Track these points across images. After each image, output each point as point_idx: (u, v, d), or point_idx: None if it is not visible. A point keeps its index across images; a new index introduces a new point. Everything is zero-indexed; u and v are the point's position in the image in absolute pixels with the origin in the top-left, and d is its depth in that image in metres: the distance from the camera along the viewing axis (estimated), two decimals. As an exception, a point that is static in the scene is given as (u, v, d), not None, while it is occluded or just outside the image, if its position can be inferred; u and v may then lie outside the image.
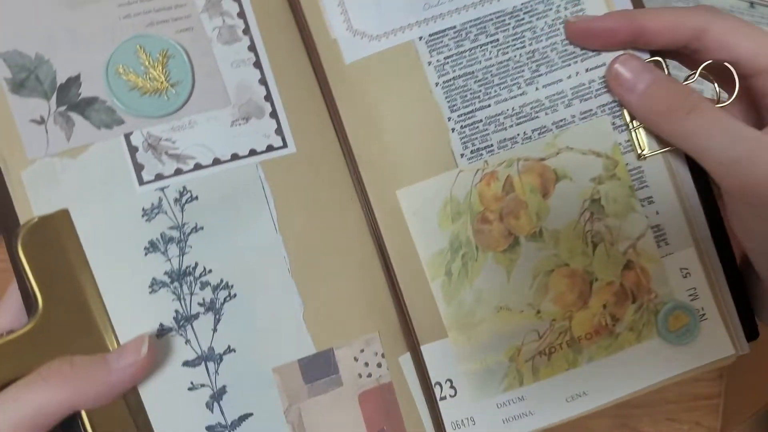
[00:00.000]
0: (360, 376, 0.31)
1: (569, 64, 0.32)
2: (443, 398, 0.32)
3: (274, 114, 0.31)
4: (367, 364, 0.32)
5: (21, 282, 0.28)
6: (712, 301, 0.32)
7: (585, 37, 0.31)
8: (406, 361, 0.32)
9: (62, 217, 0.28)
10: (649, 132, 0.32)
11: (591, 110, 0.32)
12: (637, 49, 0.31)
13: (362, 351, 0.32)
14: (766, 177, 0.27)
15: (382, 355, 0.32)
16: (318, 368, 0.31)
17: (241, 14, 0.32)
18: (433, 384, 0.32)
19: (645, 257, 0.32)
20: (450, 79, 0.32)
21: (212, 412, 0.29)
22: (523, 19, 0.32)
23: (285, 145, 0.31)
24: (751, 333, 0.32)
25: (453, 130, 0.32)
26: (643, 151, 0.32)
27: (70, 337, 0.28)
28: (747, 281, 0.32)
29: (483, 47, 0.32)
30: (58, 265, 0.28)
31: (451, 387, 0.32)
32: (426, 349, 0.32)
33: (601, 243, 0.32)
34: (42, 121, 0.29)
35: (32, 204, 0.28)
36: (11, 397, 0.24)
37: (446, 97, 0.32)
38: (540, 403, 0.32)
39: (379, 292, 0.32)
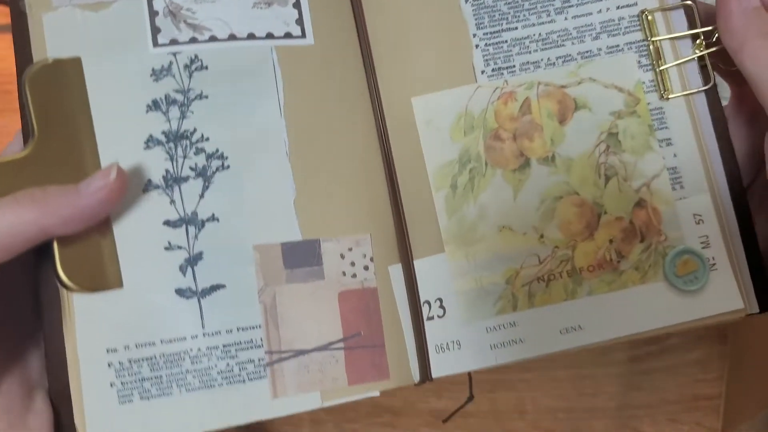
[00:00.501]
0: (344, 274, 0.30)
1: (601, 0, 0.32)
2: (430, 318, 0.31)
3: (297, 4, 0.31)
4: (353, 264, 0.30)
5: (23, 116, 0.27)
6: (724, 252, 0.30)
7: None
8: (395, 271, 0.31)
9: (74, 64, 0.28)
10: (680, 73, 0.31)
11: (618, 45, 0.32)
12: None
13: (350, 249, 0.30)
14: None
15: (371, 259, 0.30)
16: (301, 256, 0.29)
17: None
18: (421, 302, 0.31)
19: (658, 198, 0.31)
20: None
21: (184, 275, 0.28)
22: (559, -49, 0.33)
23: (303, 36, 0.31)
24: (763, 297, 0.31)
25: (477, 46, 0.32)
26: (665, 92, 0.31)
27: (60, 173, 0.27)
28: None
29: (517, -28, 0.32)
30: (60, 106, 0.28)
31: (441, 307, 0.31)
32: (419, 264, 0.31)
33: (614, 177, 0.31)
34: None
35: (48, 47, 0.28)
36: None
37: (474, 15, 0.32)
38: (532, 331, 0.30)
39: (378, 197, 0.31)
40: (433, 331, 0.31)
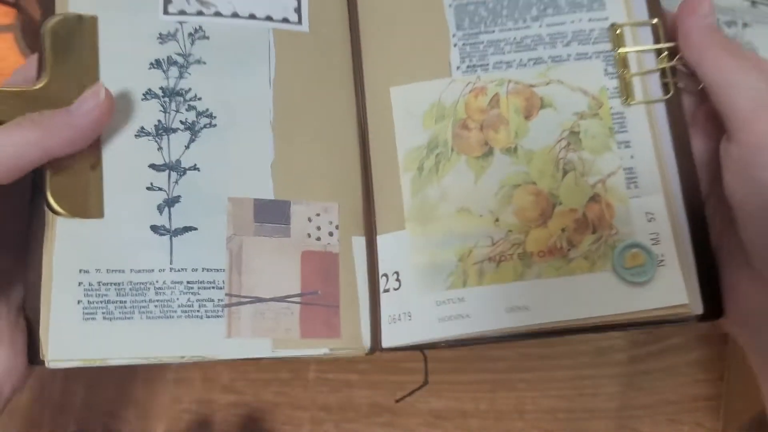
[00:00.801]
0: (309, 236, 0.32)
1: (575, 12, 0.35)
2: (386, 290, 0.33)
3: (298, -5, 0.35)
4: (319, 228, 0.33)
5: (40, 57, 0.31)
6: (673, 249, 0.32)
7: None
8: (358, 243, 0.33)
9: (90, 21, 0.32)
10: (643, 82, 0.33)
11: (587, 53, 0.34)
12: None
13: (318, 215, 0.33)
14: None
15: (336, 227, 0.33)
16: (271, 213, 0.32)
17: None
18: (380, 275, 0.33)
19: (612, 194, 0.33)
20: (463, 4, 0.35)
21: (161, 214, 0.31)
22: (540, -33, 0.36)
23: (300, 23, 0.35)
24: (709, 298, 0.32)
25: (455, 45, 0.35)
26: (628, 98, 0.33)
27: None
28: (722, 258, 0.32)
29: (499, -18, 0.35)
30: (72, 53, 0.32)
31: (397, 280, 0.33)
32: (381, 239, 0.33)
33: (571, 171, 0.33)
34: None
35: (69, 4, 0.32)
36: None
37: (456, 17, 0.35)
38: (479, 308, 0.32)
39: (350, 171, 0.34)
40: (387, 302, 0.33)
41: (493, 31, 0.35)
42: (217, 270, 0.31)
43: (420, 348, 0.33)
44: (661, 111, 0.33)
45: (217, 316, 0.30)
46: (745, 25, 0.53)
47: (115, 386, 0.46)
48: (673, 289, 0.31)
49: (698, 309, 0.31)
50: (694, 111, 0.34)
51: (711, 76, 0.31)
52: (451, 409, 0.46)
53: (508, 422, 0.46)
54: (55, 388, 0.45)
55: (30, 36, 0.62)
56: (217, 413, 0.45)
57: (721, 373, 0.47)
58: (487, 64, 0.34)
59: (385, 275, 0.33)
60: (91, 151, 0.30)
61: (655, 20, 0.34)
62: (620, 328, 0.32)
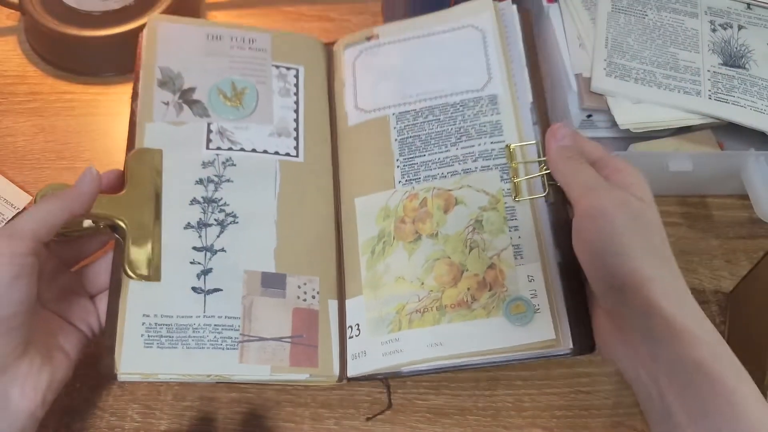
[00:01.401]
0: (298, 298, 0.48)
1: (481, 138, 0.50)
2: (351, 337, 0.47)
3: (297, 138, 0.53)
4: (305, 293, 0.48)
5: (124, 173, 0.49)
6: (546, 301, 0.44)
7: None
8: (333, 304, 0.48)
9: (157, 153, 0.50)
10: (528, 184, 0.47)
11: (489, 166, 0.49)
12: None
13: (305, 284, 0.48)
14: (603, 200, 0.40)
15: (317, 292, 0.48)
16: (273, 282, 0.48)
17: (297, 85, 0.55)
18: (347, 326, 0.48)
19: (504, 263, 0.46)
20: (404, 138, 0.52)
21: (199, 280, 0.47)
22: (458, 109, 0.52)
23: (297, 156, 0.52)
24: (584, 338, 0.44)
25: (398, 166, 0.51)
26: (517, 196, 0.48)
27: (140, 210, 0.48)
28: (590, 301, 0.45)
29: (429, 122, 0.52)
30: (143, 173, 0.49)
31: (358, 329, 0.47)
32: (348, 302, 0.48)
33: (476, 248, 0.47)
34: (167, 104, 0.52)
35: (145, 140, 0.51)
36: (29, 211, 0.39)
37: (399, 148, 0.51)
38: (408, 345, 0.45)
39: (328, 255, 0.50)
40: (351, 345, 0.47)
41: (424, 155, 0.51)
42: (235, 318, 0.47)
43: (381, 378, 0.47)
44: (542, 203, 0.47)
45: (234, 348, 0.46)
46: (740, 27, 0.60)
47: (118, 384, 0.49)
48: (545, 329, 0.44)
49: (569, 344, 0.44)
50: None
51: (560, 178, 0.45)
52: (450, 406, 0.48)
53: (505, 420, 0.48)
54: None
55: (33, 38, 0.64)
56: (219, 410, 0.47)
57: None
58: (419, 178, 0.50)
59: (351, 326, 0.48)
60: (154, 237, 0.47)
61: (535, 141, 0.49)
62: (515, 362, 0.45)
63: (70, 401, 0.48)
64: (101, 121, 0.61)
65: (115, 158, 0.59)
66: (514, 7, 0.54)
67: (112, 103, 0.62)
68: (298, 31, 0.63)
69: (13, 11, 0.65)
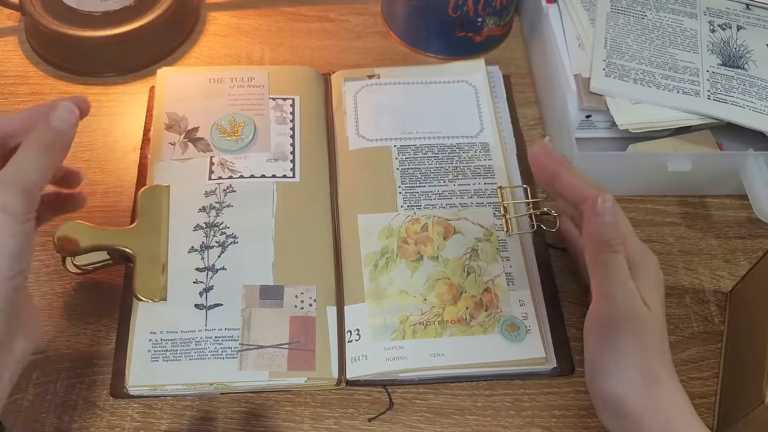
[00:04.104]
0: (296, 306, 0.49)
1: (476, 178, 0.56)
2: (350, 341, 0.49)
3: (293, 161, 0.55)
4: (302, 301, 0.49)
5: (134, 208, 0.50)
6: (535, 323, 0.49)
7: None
8: (331, 310, 0.50)
9: (165, 188, 0.52)
10: (518, 221, 0.53)
11: (483, 203, 0.55)
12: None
13: (302, 293, 0.49)
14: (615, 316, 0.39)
15: (314, 300, 0.50)
16: (271, 293, 0.49)
17: (293, 112, 0.58)
18: (345, 331, 0.49)
19: (498, 288, 0.51)
20: (405, 168, 0.56)
21: (201, 297, 0.48)
22: (455, 151, 0.57)
23: (294, 177, 0.55)
24: (566, 359, 0.49)
25: (400, 192, 0.55)
26: (508, 231, 0.53)
27: (148, 241, 0.49)
28: None
29: (429, 158, 0.57)
30: (153, 207, 0.51)
31: (358, 334, 0.49)
32: (347, 308, 0.50)
33: (473, 273, 0.51)
34: (174, 144, 0.55)
35: (155, 178, 0.52)
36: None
37: (400, 177, 0.56)
38: (412, 353, 0.48)
39: (325, 266, 0.51)
40: (350, 349, 0.48)
41: (424, 186, 0.55)
42: (235, 329, 0.47)
43: (379, 384, 0.48)
44: (529, 238, 0.53)
45: (233, 357, 0.46)
46: (739, 27, 0.58)
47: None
48: (535, 347, 0.48)
49: (554, 363, 0.49)
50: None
51: (592, 268, 0.41)
52: (449, 406, 0.47)
53: (505, 419, 0.47)
54: (59, 387, 0.47)
55: (34, 38, 0.62)
56: (219, 410, 0.46)
57: (715, 371, 0.49)
58: (420, 205, 0.54)
59: (350, 331, 0.49)
60: (163, 263, 0.48)
61: (525, 186, 0.55)
62: (504, 377, 0.49)
63: (68, 400, 0.47)
64: (101, 121, 0.60)
65: (115, 158, 0.58)
66: (500, 72, 0.62)
67: (112, 104, 0.61)
68: (298, 31, 0.66)
69: (13, 11, 0.64)
